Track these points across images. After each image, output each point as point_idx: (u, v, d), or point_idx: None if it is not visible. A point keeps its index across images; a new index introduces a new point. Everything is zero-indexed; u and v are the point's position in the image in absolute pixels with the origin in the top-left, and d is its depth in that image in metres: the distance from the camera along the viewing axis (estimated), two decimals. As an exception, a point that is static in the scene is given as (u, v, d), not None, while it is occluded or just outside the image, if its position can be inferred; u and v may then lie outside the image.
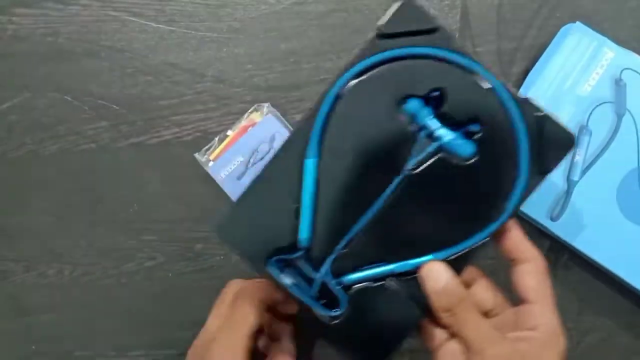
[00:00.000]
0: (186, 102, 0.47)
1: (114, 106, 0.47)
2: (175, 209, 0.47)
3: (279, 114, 0.46)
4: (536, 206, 0.42)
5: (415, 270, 0.34)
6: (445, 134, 0.34)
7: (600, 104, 0.42)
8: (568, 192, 0.42)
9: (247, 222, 0.35)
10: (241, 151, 0.45)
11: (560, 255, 0.44)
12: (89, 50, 0.47)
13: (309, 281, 0.35)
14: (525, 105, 0.33)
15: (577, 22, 0.43)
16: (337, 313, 0.34)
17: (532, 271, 0.33)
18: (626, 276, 0.41)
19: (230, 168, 0.45)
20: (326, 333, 0.35)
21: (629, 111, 0.42)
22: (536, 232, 0.43)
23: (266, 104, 0.46)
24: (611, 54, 0.42)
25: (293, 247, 0.35)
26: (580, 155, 0.42)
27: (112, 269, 0.47)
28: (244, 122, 0.46)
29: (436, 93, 0.33)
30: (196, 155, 0.46)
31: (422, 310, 0.34)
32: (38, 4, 0.47)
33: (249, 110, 0.46)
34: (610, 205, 0.42)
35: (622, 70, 0.42)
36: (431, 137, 0.34)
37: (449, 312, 0.32)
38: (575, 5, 0.45)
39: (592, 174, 0.42)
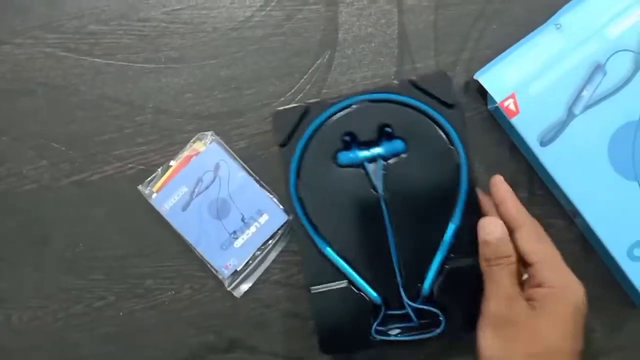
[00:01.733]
0: (127, 135, 0.46)
1: (54, 144, 0.46)
2: (122, 244, 0.45)
3: (222, 142, 0.45)
4: (530, 127, 0.42)
5: (453, 240, 0.40)
6: (377, 149, 0.41)
7: (622, 50, 0.42)
8: (565, 123, 0.42)
9: (332, 328, 0.41)
10: (185, 181, 0.44)
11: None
12: (25, 89, 0.46)
13: (404, 318, 0.40)
14: (405, 86, 0.41)
15: None
16: (442, 327, 0.40)
17: (528, 234, 0.37)
18: (589, 218, 0.42)
19: (175, 199, 0.44)
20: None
21: None
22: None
23: (209, 133, 0.45)
24: None
25: (374, 310, 0.40)
26: (588, 91, 0.42)
27: (61, 311, 0.45)
28: (187, 152, 0.45)
29: (347, 137, 0.41)
30: (139, 187, 0.45)
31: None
32: (-30, 44, 0.46)
33: (192, 140, 0.45)
34: (600, 148, 0.42)
35: None
36: (374, 160, 0.41)
37: (487, 262, 0.37)
38: (512, 17, 0.45)
39: (593, 112, 0.42)
